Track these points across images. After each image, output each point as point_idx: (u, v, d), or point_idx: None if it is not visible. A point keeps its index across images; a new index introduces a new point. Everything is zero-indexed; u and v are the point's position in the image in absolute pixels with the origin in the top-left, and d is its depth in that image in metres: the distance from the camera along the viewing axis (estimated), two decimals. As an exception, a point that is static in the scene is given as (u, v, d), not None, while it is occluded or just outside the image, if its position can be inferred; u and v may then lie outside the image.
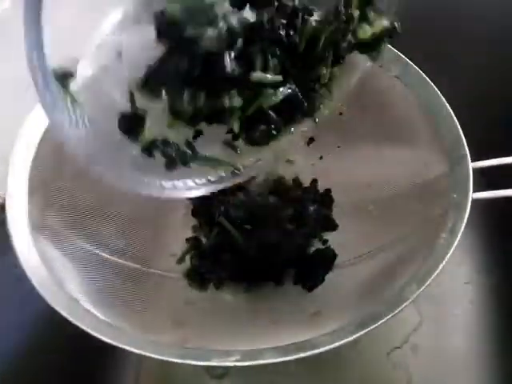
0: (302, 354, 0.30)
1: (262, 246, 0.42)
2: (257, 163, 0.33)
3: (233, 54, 0.27)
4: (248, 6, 0.27)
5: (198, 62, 0.26)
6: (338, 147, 0.49)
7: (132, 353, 0.47)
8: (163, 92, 0.27)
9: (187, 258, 0.45)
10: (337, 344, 0.30)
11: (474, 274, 0.52)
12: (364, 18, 0.30)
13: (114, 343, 0.30)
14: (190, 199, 0.48)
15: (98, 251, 0.40)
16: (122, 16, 0.27)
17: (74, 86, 0.25)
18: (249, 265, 0.43)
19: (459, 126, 0.38)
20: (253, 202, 0.45)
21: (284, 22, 0.28)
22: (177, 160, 0.29)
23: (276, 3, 0.28)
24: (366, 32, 0.30)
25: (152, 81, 0.27)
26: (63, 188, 0.39)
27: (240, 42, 0.27)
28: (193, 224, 0.47)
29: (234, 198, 0.45)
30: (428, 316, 0.50)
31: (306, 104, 0.31)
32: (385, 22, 0.30)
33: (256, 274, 0.43)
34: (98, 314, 0.33)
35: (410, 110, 0.41)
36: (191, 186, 0.31)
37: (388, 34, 0.31)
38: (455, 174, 0.37)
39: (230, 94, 0.28)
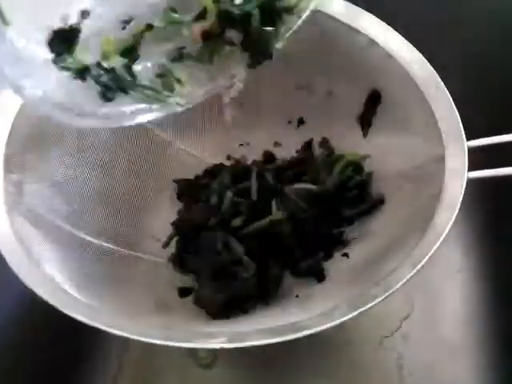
0: (292, 336, 0.28)
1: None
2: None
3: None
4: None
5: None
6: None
7: (115, 341, 0.46)
8: None
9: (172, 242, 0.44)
10: (327, 326, 0.29)
11: (466, 263, 0.51)
12: None
13: (94, 324, 0.28)
14: (176, 182, 0.46)
15: (77, 232, 0.38)
16: None
17: None
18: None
19: (454, 105, 0.37)
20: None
21: None
22: (113, 88, 0.28)
23: None
24: None
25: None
26: (40, 166, 0.38)
27: None
28: (178, 208, 0.46)
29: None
30: (419, 305, 0.49)
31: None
32: None
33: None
34: (78, 296, 0.31)
35: (402, 87, 0.40)
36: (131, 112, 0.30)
37: None
38: (450, 154, 0.36)
39: None
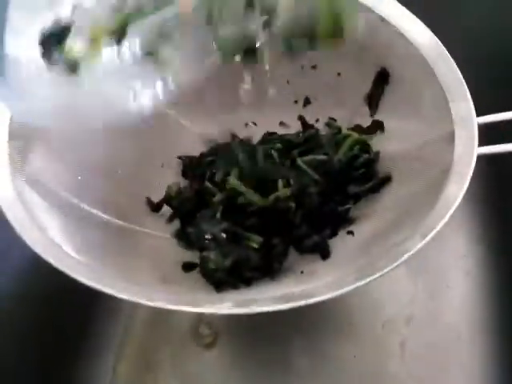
0: (299, 303, 0.28)
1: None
2: None
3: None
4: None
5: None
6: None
7: (118, 315, 0.46)
8: None
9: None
10: (334, 294, 0.28)
11: (471, 247, 0.51)
12: None
13: (98, 287, 0.28)
14: (181, 159, 0.46)
15: (80, 204, 0.38)
16: None
17: None
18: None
19: (463, 80, 0.37)
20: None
21: None
22: None
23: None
24: None
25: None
26: (45, 135, 0.37)
27: None
28: (183, 185, 0.45)
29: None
30: (424, 288, 0.49)
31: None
32: None
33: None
34: (81, 259, 0.31)
35: (411, 65, 0.39)
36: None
37: None
38: (459, 132, 0.36)
39: None
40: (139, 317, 0.46)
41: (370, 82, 0.44)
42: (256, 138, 0.48)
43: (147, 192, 0.44)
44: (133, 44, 0.31)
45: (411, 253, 0.30)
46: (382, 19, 0.40)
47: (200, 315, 0.46)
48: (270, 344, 0.46)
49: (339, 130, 0.45)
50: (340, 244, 0.40)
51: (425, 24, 0.40)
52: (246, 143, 0.46)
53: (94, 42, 0.30)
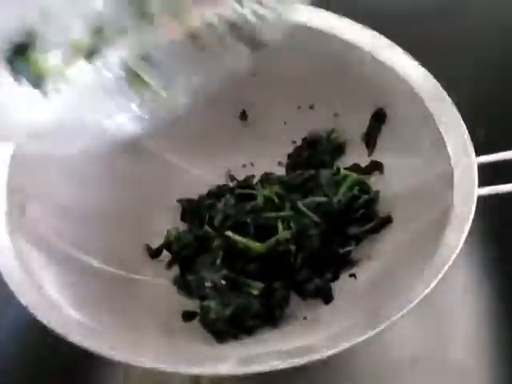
0: (306, 359, 0.27)
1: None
2: None
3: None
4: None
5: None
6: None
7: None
8: None
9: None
10: (341, 348, 0.28)
11: (477, 283, 0.50)
12: None
13: (96, 350, 0.27)
14: (180, 202, 0.46)
15: (78, 254, 0.37)
16: None
17: None
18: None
19: (462, 121, 0.37)
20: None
21: None
22: None
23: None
24: None
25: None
26: (43, 189, 0.37)
27: None
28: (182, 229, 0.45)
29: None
30: (429, 327, 0.48)
31: None
32: None
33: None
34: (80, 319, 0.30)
35: (408, 104, 0.40)
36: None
37: None
38: (458, 172, 0.36)
39: None
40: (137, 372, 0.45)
41: (367, 121, 0.44)
42: (255, 178, 0.48)
43: (146, 237, 0.43)
44: (110, 64, 0.29)
45: (417, 301, 0.30)
46: (380, 61, 0.41)
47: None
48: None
49: (338, 169, 0.44)
50: (342, 287, 0.39)
51: (421, 63, 0.40)
52: (244, 185, 0.46)
53: (65, 57, 0.28)
